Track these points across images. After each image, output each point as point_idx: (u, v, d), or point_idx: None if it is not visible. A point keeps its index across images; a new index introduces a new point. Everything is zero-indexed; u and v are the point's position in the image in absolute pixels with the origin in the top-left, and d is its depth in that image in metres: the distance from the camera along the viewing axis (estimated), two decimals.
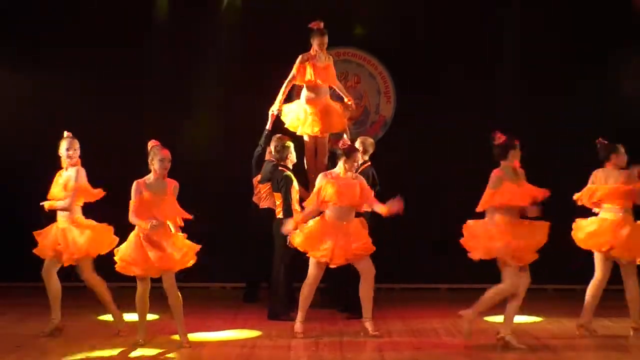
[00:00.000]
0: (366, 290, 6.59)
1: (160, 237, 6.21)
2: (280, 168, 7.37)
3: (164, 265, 6.19)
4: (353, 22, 9.37)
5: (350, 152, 6.65)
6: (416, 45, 9.37)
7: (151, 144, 6.42)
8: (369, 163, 7.64)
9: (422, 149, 9.11)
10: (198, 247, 6.36)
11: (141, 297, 6.38)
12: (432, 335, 6.85)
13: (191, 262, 6.32)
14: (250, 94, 8.81)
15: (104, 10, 9.07)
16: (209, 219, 8.61)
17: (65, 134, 6.61)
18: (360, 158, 7.16)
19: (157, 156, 6.25)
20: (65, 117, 8.22)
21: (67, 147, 6.51)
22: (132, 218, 6.14)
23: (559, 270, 8.21)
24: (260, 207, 8.08)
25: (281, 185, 7.28)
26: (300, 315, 6.64)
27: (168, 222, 6.39)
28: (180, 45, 9.29)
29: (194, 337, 6.64)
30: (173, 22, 9.36)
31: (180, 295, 6.32)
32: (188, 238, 6.50)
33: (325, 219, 6.58)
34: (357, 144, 7.50)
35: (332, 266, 6.60)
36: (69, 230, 6.44)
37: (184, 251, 6.28)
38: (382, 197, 7.11)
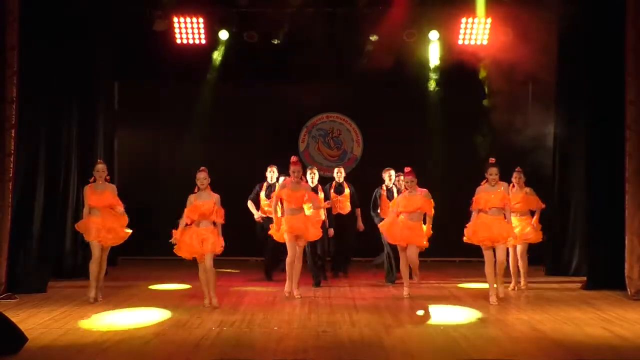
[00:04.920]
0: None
1: (205, 229, 7.18)
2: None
3: (206, 249, 7.10)
4: (337, 97, 11.92)
5: None
6: (375, 111, 11.86)
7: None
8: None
9: (378, 175, 10.19)
10: (222, 241, 7.23)
11: (202, 270, 7.26)
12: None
13: (220, 250, 7.19)
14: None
15: None
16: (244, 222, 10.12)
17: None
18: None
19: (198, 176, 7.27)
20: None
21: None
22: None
23: None
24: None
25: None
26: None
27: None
28: None
29: (238, 289, 8.23)
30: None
31: (214, 270, 7.18)
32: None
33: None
34: (336, 171, 9.55)
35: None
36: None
37: (219, 243, 7.19)
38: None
